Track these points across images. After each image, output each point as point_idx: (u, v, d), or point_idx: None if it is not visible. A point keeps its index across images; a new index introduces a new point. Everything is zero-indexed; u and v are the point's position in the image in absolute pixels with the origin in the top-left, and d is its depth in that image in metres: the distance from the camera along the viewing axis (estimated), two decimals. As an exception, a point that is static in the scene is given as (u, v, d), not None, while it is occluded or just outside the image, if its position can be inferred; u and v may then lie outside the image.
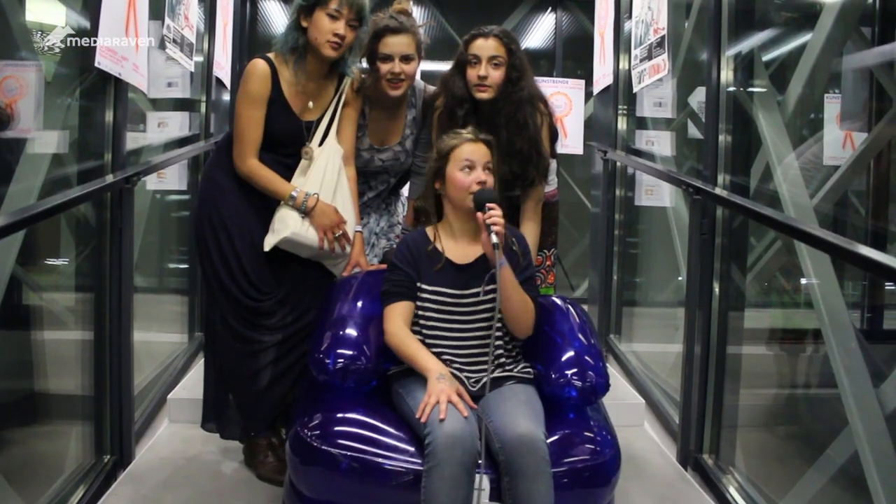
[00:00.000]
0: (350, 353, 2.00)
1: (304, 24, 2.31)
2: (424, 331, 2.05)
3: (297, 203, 2.32)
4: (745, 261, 2.90)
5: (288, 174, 2.38)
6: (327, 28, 2.28)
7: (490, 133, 2.19)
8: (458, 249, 2.10)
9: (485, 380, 1.92)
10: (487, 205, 1.97)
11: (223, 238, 2.39)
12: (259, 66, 2.33)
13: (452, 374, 1.96)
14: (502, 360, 2.06)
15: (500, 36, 2.36)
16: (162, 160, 3.04)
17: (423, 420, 1.80)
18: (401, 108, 2.59)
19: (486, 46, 2.35)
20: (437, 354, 2.00)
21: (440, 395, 1.82)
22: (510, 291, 1.98)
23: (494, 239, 1.92)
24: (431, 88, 2.64)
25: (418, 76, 2.62)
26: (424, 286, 2.06)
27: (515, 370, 2.06)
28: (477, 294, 2.04)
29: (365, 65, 2.52)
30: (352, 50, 2.37)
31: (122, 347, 2.49)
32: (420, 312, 2.05)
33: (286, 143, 2.39)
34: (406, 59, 2.42)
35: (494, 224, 1.93)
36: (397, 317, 2.02)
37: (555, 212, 2.69)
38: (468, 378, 2.01)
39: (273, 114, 2.35)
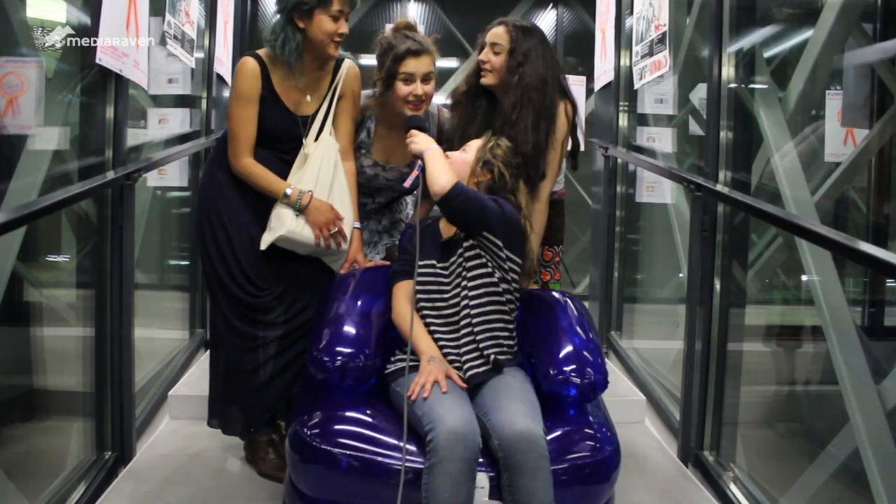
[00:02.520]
0: (349, 350, 2.00)
1: (302, 25, 2.29)
2: (424, 310, 2.09)
3: (292, 201, 2.32)
4: (745, 257, 2.90)
5: (286, 170, 2.38)
6: (331, 29, 2.28)
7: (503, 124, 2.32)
8: (447, 225, 2.15)
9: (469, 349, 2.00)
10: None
11: (222, 234, 2.39)
12: (248, 64, 2.33)
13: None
14: (492, 338, 2.05)
15: (507, 24, 2.41)
16: (163, 157, 3.04)
17: (412, 398, 1.84)
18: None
19: (491, 33, 2.42)
20: (432, 333, 2.05)
21: (428, 377, 1.88)
22: (429, 162, 2.09)
23: (417, 168, 2.13)
24: (446, 112, 2.62)
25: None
26: (420, 261, 2.10)
27: (509, 351, 2.07)
28: (453, 263, 2.08)
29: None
30: None
31: (122, 344, 2.50)
32: (418, 287, 2.09)
33: (282, 139, 2.39)
34: (427, 78, 2.40)
35: (409, 143, 2.17)
36: (402, 296, 2.10)
37: (563, 209, 2.70)
38: (460, 365, 2.01)
39: (266, 111, 2.35)
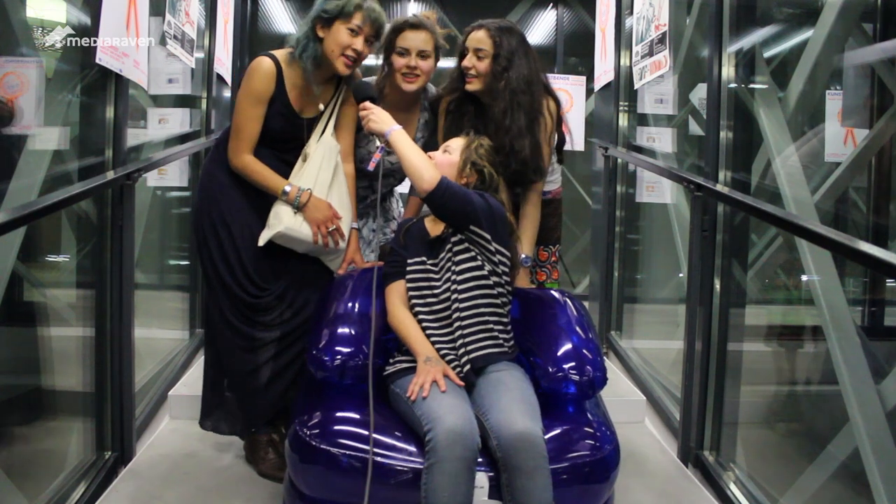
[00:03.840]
0: (348, 349, 2.00)
1: (321, 34, 2.30)
2: (416, 307, 2.09)
3: (290, 198, 2.32)
4: (745, 257, 2.90)
5: (286, 171, 2.38)
6: (346, 42, 2.27)
7: (494, 131, 2.28)
8: (434, 224, 2.15)
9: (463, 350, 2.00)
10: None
11: (223, 234, 2.39)
12: (265, 64, 2.33)
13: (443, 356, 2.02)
14: (487, 333, 2.06)
15: (488, 27, 2.40)
16: (163, 157, 3.04)
17: (412, 399, 1.85)
18: (414, 109, 2.59)
19: (473, 38, 2.42)
20: (425, 330, 2.05)
21: (426, 376, 1.88)
22: (403, 152, 2.10)
23: (378, 142, 2.15)
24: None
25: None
26: (409, 259, 2.12)
27: (505, 344, 2.08)
28: (442, 259, 2.09)
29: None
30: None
31: (122, 344, 2.50)
32: (408, 286, 2.10)
33: (285, 139, 2.39)
34: (423, 54, 2.44)
35: (365, 119, 2.18)
36: (395, 297, 2.11)
37: (559, 209, 2.70)
38: (453, 360, 2.02)
39: (273, 111, 2.35)
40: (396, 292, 2.12)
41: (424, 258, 2.12)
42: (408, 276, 2.11)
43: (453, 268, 2.06)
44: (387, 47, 2.47)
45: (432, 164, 2.09)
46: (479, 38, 2.40)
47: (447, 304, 2.06)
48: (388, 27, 2.44)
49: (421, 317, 2.08)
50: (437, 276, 2.09)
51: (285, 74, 2.35)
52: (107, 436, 2.52)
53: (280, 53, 2.36)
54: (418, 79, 2.46)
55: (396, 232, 2.21)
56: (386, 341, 2.16)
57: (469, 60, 2.41)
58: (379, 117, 2.18)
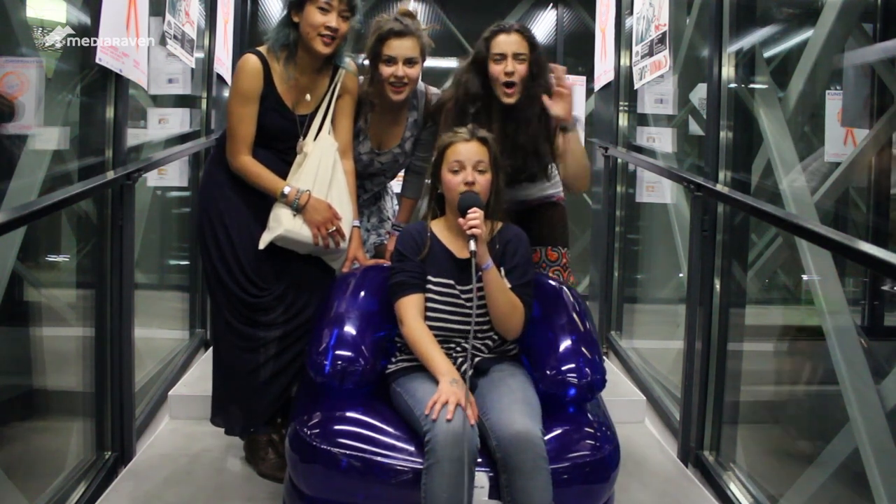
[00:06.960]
0: (348, 354, 2.00)
1: (296, 19, 2.29)
2: (428, 319, 2.05)
3: (289, 200, 2.31)
4: (746, 257, 2.90)
5: (286, 171, 2.37)
6: (319, 21, 2.25)
7: (502, 128, 2.18)
8: (457, 243, 2.11)
9: (465, 367, 1.95)
10: (469, 210, 1.97)
11: (222, 234, 2.39)
12: (250, 61, 2.32)
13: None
14: (492, 342, 2.10)
15: (521, 31, 2.34)
16: (163, 157, 3.04)
17: (434, 417, 1.79)
18: (402, 110, 2.57)
19: (509, 42, 2.31)
20: (440, 343, 2.02)
21: (450, 397, 1.82)
22: (495, 293, 2.01)
23: (472, 246, 1.94)
24: (433, 90, 2.62)
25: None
26: (430, 277, 2.07)
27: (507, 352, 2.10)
28: (472, 289, 2.04)
29: (362, 60, 2.50)
30: (345, 41, 2.34)
31: (122, 344, 2.50)
32: (428, 304, 2.06)
33: (280, 137, 2.38)
34: (410, 62, 2.39)
35: (471, 229, 1.94)
36: (414, 309, 2.03)
37: (564, 213, 2.69)
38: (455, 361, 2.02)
39: (265, 109, 2.34)
40: (415, 306, 2.04)
41: (453, 282, 2.08)
42: (429, 295, 2.06)
43: (480, 302, 2.03)
44: (372, 56, 2.42)
45: (522, 311, 2.06)
46: (515, 41, 2.30)
47: (463, 325, 2.04)
48: (372, 35, 2.41)
49: (434, 332, 2.05)
50: (464, 302, 2.06)
51: (273, 69, 2.34)
52: (107, 436, 2.52)
53: (266, 49, 2.35)
54: (406, 87, 2.42)
55: (403, 237, 2.14)
56: (385, 340, 2.15)
57: (511, 65, 2.29)
58: (483, 249, 1.99)
